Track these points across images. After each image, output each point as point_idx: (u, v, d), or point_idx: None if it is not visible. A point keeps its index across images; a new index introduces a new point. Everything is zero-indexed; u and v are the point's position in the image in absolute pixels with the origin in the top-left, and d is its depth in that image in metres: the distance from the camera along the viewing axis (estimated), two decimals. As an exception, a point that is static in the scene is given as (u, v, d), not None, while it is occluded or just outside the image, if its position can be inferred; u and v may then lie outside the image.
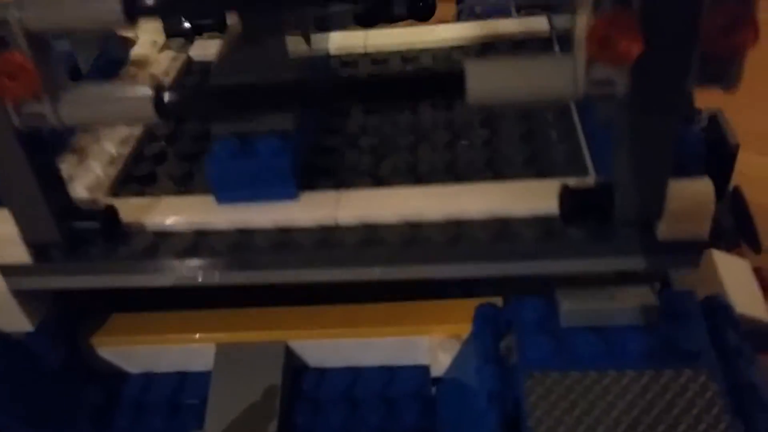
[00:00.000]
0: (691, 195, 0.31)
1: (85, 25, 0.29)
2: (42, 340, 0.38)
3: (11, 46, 0.30)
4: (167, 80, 0.48)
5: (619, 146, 0.30)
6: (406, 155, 0.39)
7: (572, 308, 0.22)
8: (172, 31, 0.52)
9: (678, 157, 0.30)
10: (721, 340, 0.24)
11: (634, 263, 0.33)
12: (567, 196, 0.33)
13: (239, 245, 0.36)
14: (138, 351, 0.40)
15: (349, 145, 0.40)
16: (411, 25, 0.50)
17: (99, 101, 0.31)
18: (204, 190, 0.38)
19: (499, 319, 0.25)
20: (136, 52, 0.49)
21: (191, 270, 0.36)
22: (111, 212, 0.36)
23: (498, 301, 0.26)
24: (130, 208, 0.37)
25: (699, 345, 0.22)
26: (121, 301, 0.41)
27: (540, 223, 0.34)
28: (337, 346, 0.38)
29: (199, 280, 0.36)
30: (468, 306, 0.29)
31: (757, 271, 0.27)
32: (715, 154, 0.31)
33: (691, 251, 0.32)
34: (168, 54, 0.49)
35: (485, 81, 0.29)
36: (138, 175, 0.40)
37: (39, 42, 0.30)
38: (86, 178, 0.39)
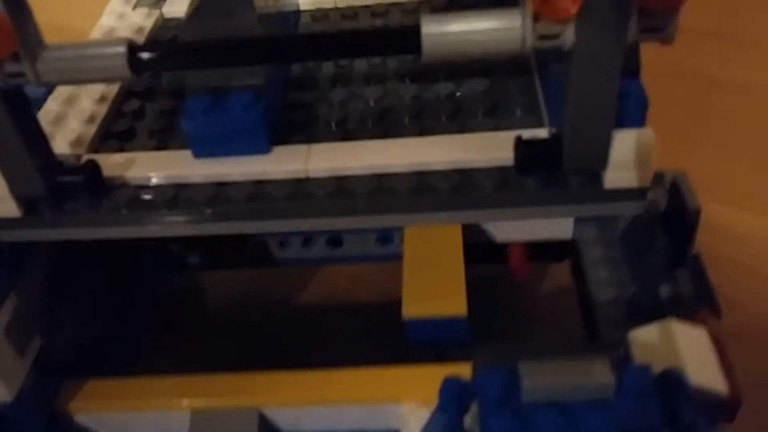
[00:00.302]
0: (632, 145, 0.33)
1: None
2: (21, 409, 0.38)
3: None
4: (141, 37, 0.49)
5: (567, 99, 0.32)
6: (374, 109, 0.41)
7: (533, 384, 0.23)
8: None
9: (621, 110, 0.33)
10: (676, 415, 0.24)
11: (583, 210, 0.35)
12: (520, 147, 0.35)
13: (215, 197, 0.38)
14: (114, 417, 0.40)
15: (319, 100, 0.42)
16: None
17: (76, 59, 0.33)
18: (182, 144, 0.39)
19: (464, 392, 0.26)
20: (110, 8, 0.51)
21: (171, 221, 0.38)
22: (93, 167, 0.38)
23: (467, 368, 0.27)
24: (112, 164, 0.39)
25: (652, 422, 0.23)
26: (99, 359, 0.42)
27: (497, 173, 0.36)
28: (310, 412, 0.38)
29: (179, 231, 0.38)
30: (438, 372, 0.29)
31: (717, 340, 0.28)
32: (676, 220, 0.32)
33: (634, 198, 0.34)
34: (142, 11, 0.50)
35: (439, 36, 0.31)
36: (117, 131, 0.42)
37: (16, 2, 0.32)
38: (67, 136, 0.41)
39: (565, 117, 0.33)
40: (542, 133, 0.37)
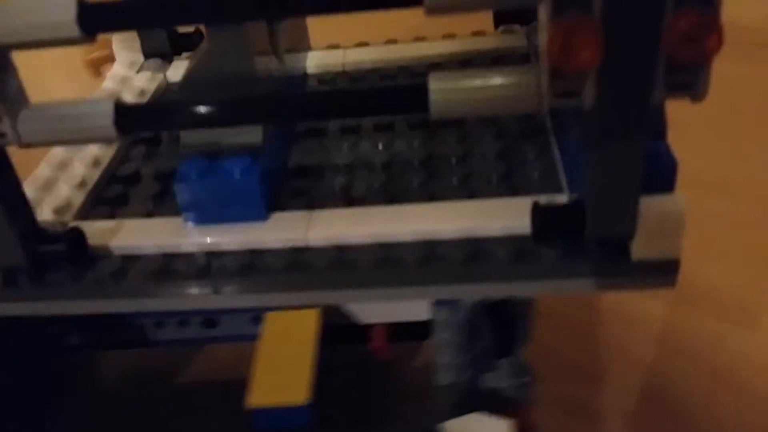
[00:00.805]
0: (663, 213, 0.30)
1: (42, 38, 0.29)
2: None
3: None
4: (143, 100, 0.48)
5: (589, 162, 0.29)
6: (380, 174, 0.38)
7: None
8: (150, 52, 0.52)
9: (648, 173, 0.30)
10: None
11: (608, 284, 0.32)
12: (538, 213, 0.32)
13: (207, 268, 0.35)
14: None
15: (322, 162, 0.40)
16: (389, 43, 0.49)
17: (59, 119, 0.31)
18: (175, 211, 0.37)
19: None
20: (113, 71, 0.49)
21: (158, 295, 0.35)
22: (76, 234, 0.35)
23: None
24: (98, 231, 0.36)
25: None
26: None
27: (513, 242, 0.33)
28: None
29: (166, 305, 0.35)
30: None
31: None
32: (500, 310, 0.32)
33: (666, 270, 0.31)
34: (145, 74, 0.49)
35: (448, 94, 0.28)
36: (108, 197, 0.40)
37: (-2, 60, 0.30)
38: (55, 201, 0.39)
39: (586, 182, 0.30)
40: (561, 198, 0.34)
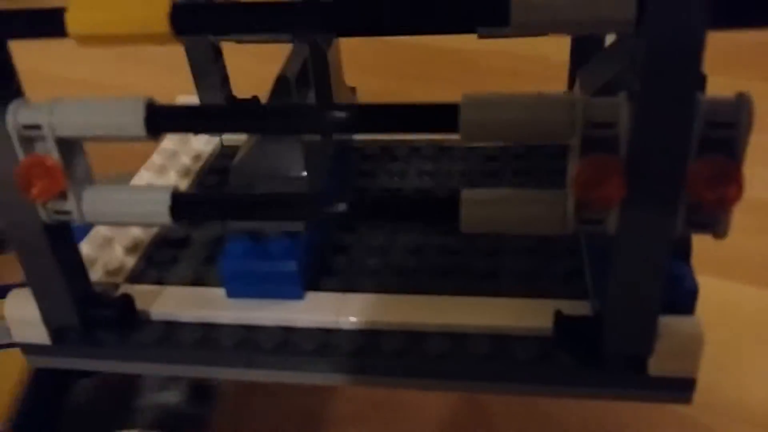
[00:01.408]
0: (681, 334, 0.31)
1: (110, 135, 0.32)
2: None
3: (42, 148, 0.32)
4: (198, 163, 0.50)
5: (611, 281, 0.30)
6: (412, 262, 0.40)
7: None
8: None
9: (669, 295, 0.31)
10: None
11: (624, 395, 0.33)
12: (560, 322, 0.33)
13: (244, 342, 0.37)
14: None
15: (358, 247, 0.41)
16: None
17: (118, 203, 0.33)
18: (218, 281, 0.39)
19: None
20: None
21: (197, 363, 0.37)
22: (126, 301, 0.38)
23: None
24: (146, 297, 0.39)
25: None
26: None
27: (534, 343, 0.34)
28: None
29: (204, 374, 0.37)
30: None
31: None
32: None
33: (682, 388, 0.32)
34: (202, 137, 0.52)
35: (479, 210, 0.30)
36: (158, 261, 0.42)
37: (67, 145, 0.32)
38: (108, 263, 0.42)
39: (608, 298, 0.31)
40: (584, 306, 0.35)
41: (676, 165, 0.27)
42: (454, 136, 0.28)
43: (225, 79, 0.56)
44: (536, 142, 0.28)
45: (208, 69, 0.54)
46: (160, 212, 0.33)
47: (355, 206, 0.31)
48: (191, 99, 0.55)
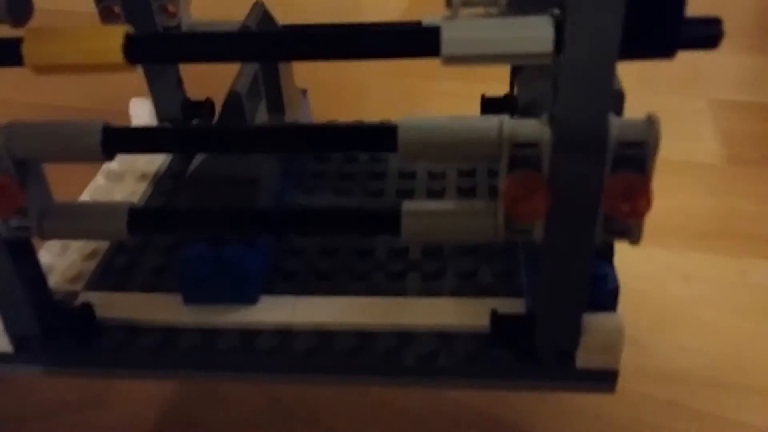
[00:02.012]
0: (603, 329, 0.34)
1: (68, 157, 0.33)
2: None
3: (1, 169, 0.33)
4: (154, 166, 0.52)
5: (541, 282, 0.33)
6: (363, 273, 0.42)
7: None
8: (164, 116, 0.57)
9: (593, 293, 0.34)
10: None
11: (554, 386, 0.36)
12: (495, 321, 0.36)
13: (202, 345, 0.39)
14: None
15: (311, 251, 0.44)
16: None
17: (77, 219, 0.35)
18: (175, 287, 0.41)
19: None
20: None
21: (157, 367, 0.39)
22: (86, 310, 0.39)
23: None
24: (106, 303, 0.41)
25: None
26: None
27: (473, 340, 0.37)
28: None
29: (165, 377, 0.39)
30: None
31: None
32: None
33: (604, 378, 0.35)
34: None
35: (418, 222, 0.33)
36: (116, 268, 0.44)
37: (25, 166, 0.34)
38: (67, 270, 0.43)
39: (538, 298, 0.34)
40: (519, 304, 0.38)
41: (592, 181, 0.29)
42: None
43: (179, 81, 0.57)
44: (468, 161, 0.30)
45: (161, 70, 0.55)
46: (118, 228, 0.35)
47: (303, 220, 0.33)
48: (144, 101, 0.57)
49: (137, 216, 0.35)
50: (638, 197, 0.29)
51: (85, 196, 0.50)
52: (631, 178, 0.29)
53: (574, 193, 0.30)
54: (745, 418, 0.44)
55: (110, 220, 0.35)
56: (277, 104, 0.48)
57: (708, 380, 0.45)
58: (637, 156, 0.29)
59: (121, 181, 0.52)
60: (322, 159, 0.52)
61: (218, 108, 0.56)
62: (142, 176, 0.53)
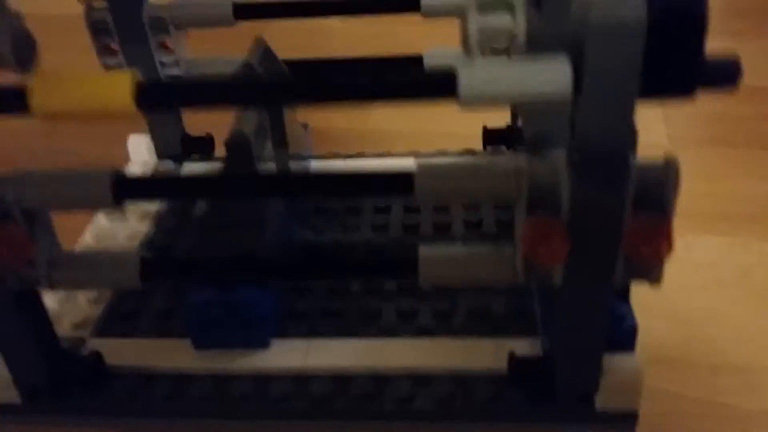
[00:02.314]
0: (622, 370, 0.34)
1: (78, 205, 0.33)
2: None
3: (9, 219, 0.33)
4: (156, 204, 0.52)
5: (559, 324, 0.33)
6: (374, 312, 0.41)
7: None
8: (163, 153, 0.56)
9: (612, 333, 0.33)
10: None
11: (574, 430, 0.35)
12: (513, 364, 0.35)
13: (214, 393, 0.38)
14: None
15: (319, 292, 0.43)
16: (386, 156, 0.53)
17: (88, 269, 0.34)
18: (184, 333, 0.40)
19: None
20: (127, 170, 0.53)
21: (169, 416, 0.38)
22: (96, 359, 0.39)
23: None
24: (115, 350, 0.40)
25: None
26: None
27: (490, 383, 0.37)
28: None
29: (178, 427, 0.38)
30: None
31: None
32: None
33: (625, 420, 0.34)
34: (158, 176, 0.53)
35: (435, 266, 0.32)
36: (123, 312, 0.43)
37: (34, 216, 0.33)
38: (74, 317, 0.42)
39: (556, 341, 0.34)
40: (533, 343, 0.37)
41: (613, 224, 0.29)
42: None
43: (178, 116, 0.57)
44: (486, 203, 0.30)
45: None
46: (130, 277, 0.34)
47: (315, 264, 0.33)
48: (143, 138, 0.56)
49: (149, 265, 0.34)
50: (659, 239, 0.29)
51: (87, 237, 0.50)
52: (651, 220, 0.29)
53: (594, 236, 0.29)
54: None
55: (122, 270, 0.34)
56: (281, 140, 0.48)
57: (655, 357, 0.45)
58: (655, 197, 0.29)
59: (124, 220, 0.52)
60: None
61: (218, 143, 0.57)
62: (145, 214, 0.52)
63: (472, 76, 0.28)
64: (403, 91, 0.29)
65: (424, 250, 0.32)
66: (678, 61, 0.27)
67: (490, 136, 0.53)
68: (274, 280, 0.38)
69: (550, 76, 0.27)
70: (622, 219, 0.29)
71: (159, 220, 0.51)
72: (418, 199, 0.30)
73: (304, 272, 0.34)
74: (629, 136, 0.28)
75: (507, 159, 0.30)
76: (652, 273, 0.30)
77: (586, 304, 0.31)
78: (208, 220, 0.40)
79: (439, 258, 0.32)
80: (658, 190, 0.29)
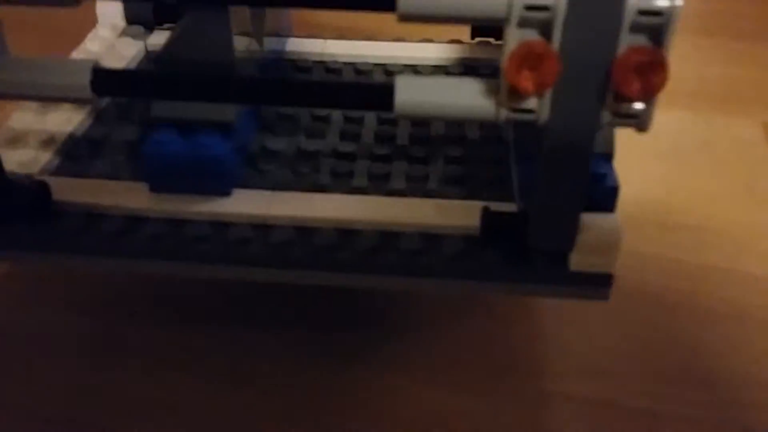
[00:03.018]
0: (601, 230, 0.32)
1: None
2: None
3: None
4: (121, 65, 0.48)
5: (538, 175, 0.31)
6: (345, 164, 0.39)
7: None
8: (132, 18, 0.53)
9: (592, 193, 0.32)
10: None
11: (546, 291, 0.34)
12: (486, 218, 0.33)
13: (167, 235, 0.36)
14: None
15: (289, 148, 0.41)
16: (372, 40, 0.50)
17: (37, 72, 0.32)
18: (139, 177, 0.38)
19: None
20: (94, 33, 0.50)
21: (116, 256, 0.36)
22: (41, 189, 0.36)
23: None
24: (64, 188, 0.37)
25: None
26: None
27: (460, 241, 0.35)
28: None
29: (125, 267, 0.36)
30: None
31: None
32: None
33: (599, 283, 0.33)
34: (125, 40, 0.50)
35: (413, 95, 0.30)
36: (76, 155, 0.40)
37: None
38: (22, 155, 0.40)
39: (534, 193, 0.32)
40: (508, 207, 0.36)
41: (605, 50, 0.27)
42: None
43: None
44: (473, 22, 0.28)
45: None
46: (81, 86, 0.31)
47: (293, 88, 0.31)
48: (112, 2, 0.53)
49: (102, 74, 0.31)
50: (653, 72, 0.27)
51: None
52: (647, 50, 0.27)
53: (584, 63, 0.27)
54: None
55: (73, 77, 0.31)
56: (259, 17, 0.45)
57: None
58: (654, 26, 0.27)
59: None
60: None
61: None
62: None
63: None
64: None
65: (401, 79, 0.30)
66: None
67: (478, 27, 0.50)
68: (240, 101, 0.35)
69: None
70: (615, 46, 0.27)
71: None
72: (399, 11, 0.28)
73: (276, 95, 0.31)
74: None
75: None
76: (641, 116, 0.28)
77: (569, 147, 0.29)
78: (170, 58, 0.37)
79: (416, 85, 0.30)
80: (658, 16, 0.27)
